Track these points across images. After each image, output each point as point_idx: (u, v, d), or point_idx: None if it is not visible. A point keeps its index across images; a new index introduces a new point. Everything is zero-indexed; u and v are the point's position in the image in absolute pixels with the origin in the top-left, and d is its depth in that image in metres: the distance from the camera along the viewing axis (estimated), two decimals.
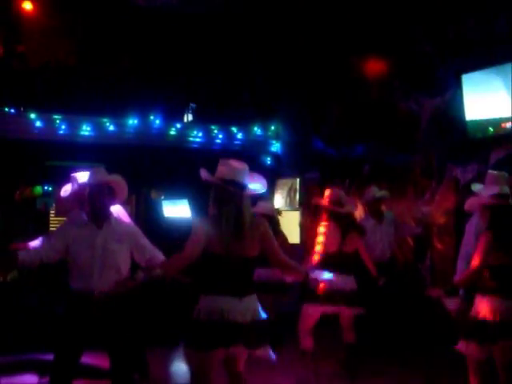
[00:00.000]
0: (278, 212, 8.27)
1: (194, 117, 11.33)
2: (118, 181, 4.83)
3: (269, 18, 10.14)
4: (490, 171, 5.60)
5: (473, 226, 5.68)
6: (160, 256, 4.88)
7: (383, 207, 8.20)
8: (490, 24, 7.81)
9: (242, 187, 4.17)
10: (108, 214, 4.77)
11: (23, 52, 11.03)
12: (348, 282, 6.53)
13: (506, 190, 4.92)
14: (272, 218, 7.28)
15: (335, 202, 6.74)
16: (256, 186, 4.34)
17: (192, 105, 11.20)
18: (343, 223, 6.67)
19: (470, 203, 5.17)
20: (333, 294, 6.39)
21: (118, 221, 4.90)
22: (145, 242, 4.90)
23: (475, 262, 4.78)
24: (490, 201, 4.87)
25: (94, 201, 4.71)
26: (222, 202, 4.12)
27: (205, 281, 4.12)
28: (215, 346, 4.01)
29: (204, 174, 4.23)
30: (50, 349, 4.77)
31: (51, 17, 11.10)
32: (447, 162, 8.48)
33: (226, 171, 4.19)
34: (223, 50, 10.90)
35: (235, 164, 4.23)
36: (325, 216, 6.80)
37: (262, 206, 7.35)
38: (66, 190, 5.24)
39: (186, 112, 11.30)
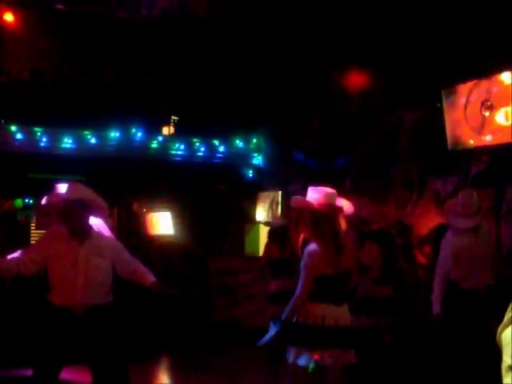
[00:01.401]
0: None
1: (175, 129, 11.32)
2: (93, 198, 4.78)
3: (251, 31, 10.17)
4: (462, 192, 5.68)
5: (449, 243, 5.69)
6: (142, 267, 4.90)
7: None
8: (469, 38, 7.89)
9: (334, 209, 4.65)
10: (88, 229, 4.76)
11: (4, 64, 10.97)
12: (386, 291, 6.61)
13: None
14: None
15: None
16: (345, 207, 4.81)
17: (174, 118, 11.19)
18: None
19: None
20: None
21: (99, 235, 4.89)
22: (126, 254, 4.91)
23: None
24: None
25: (69, 217, 4.68)
26: (319, 225, 4.59)
27: (312, 293, 4.57)
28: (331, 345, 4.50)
29: (297, 200, 4.85)
30: (29, 365, 4.73)
31: (33, 29, 11.05)
32: (428, 175, 8.53)
33: (318, 196, 4.66)
34: (205, 63, 10.91)
35: (326, 189, 4.72)
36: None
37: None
38: (46, 198, 5.26)
39: (167, 125, 11.28)
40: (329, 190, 4.73)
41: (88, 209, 4.74)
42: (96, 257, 4.69)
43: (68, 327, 4.57)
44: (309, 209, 4.64)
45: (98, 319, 4.64)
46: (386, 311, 6.57)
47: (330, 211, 4.62)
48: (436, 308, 5.57)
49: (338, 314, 4.60)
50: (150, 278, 4.86)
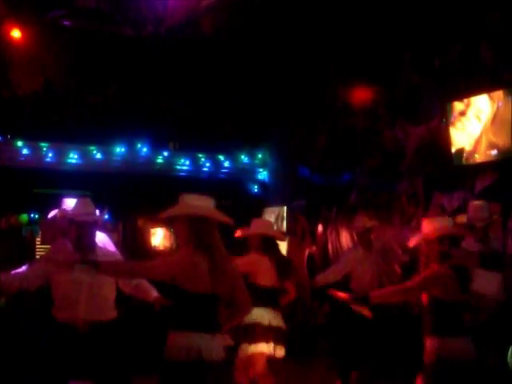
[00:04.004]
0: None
1: (180, 145, 11.33)
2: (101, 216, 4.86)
3: (255, 46, 10.21)
4: (472, 202, 5.66)
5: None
6: (145, 283, 4.89)
7: (372, 236, 8.17)
8: (474, 53, 7.91)
9: (213, 223, 4.01)
10: (93, 244, 4.77)
11: (10, 80, 11.02)
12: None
13: None
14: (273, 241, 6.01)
15: None
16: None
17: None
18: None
19: None
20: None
21: (103, 250, 4.89)
22: None
23: None
24: None
25: (82, 236, 4.71)
26: (197, 239, 3.93)
27: (178, 317, 3.85)
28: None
29: (173, 211, 4.12)
30: (34, 380, 4.72)
31: (39, 45, 11.10)
32: (433, 190, 8.51)
33: (197, 207, 4.07)
34: (210, 78, 10.94)
35: (202, 199, 4.17)
36: None
37: (257, 225, 5.98)
38: (53, 212, 5.29)
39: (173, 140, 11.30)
40: (203, 198, 4.18)
41: (96, 225, 4.78)
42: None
43: (71, 342, 4.56)
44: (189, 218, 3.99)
45: (102, 334, 4.63)
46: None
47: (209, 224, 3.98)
48: None
49: (214, 345, 3.74)
50: (153, 293, 4.86)
